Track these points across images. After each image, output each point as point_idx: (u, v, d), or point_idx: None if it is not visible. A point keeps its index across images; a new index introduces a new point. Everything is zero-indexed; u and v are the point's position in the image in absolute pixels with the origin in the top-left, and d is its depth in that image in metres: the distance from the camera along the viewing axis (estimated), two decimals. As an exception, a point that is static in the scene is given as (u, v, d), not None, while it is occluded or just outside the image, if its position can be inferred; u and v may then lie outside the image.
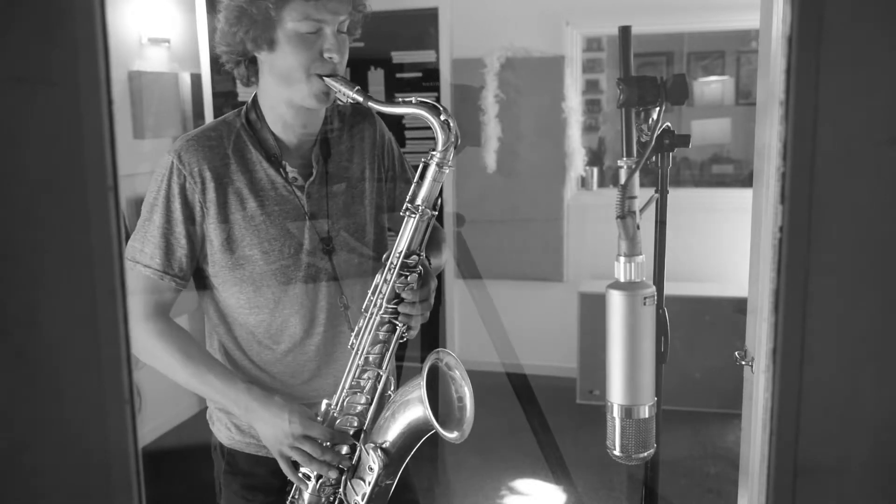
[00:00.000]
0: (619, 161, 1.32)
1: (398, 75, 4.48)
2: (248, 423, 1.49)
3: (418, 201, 1.38)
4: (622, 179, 1.28)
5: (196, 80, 3.97)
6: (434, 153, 1.36)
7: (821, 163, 0.66)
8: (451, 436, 1.38)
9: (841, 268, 0.68)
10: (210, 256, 1.46)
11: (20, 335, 0.60)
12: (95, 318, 0.60)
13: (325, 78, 1.38)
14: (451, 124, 1.34)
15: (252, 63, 1.46)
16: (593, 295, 4.10)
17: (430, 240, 1.49)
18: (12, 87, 0.57)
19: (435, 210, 1.39)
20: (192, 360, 1.45)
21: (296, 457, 1.41)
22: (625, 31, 1.35)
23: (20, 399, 0.61)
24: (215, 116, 3.89)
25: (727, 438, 3.82)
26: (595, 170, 4.68)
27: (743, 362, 1.26)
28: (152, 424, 3.88)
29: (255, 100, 1.49)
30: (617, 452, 1.28)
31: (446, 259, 1.71)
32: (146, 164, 3.84)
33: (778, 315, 0.68)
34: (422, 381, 1.36)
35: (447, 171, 1.37)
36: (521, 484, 3.49)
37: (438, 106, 1.35)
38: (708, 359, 3.72)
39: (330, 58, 1.39)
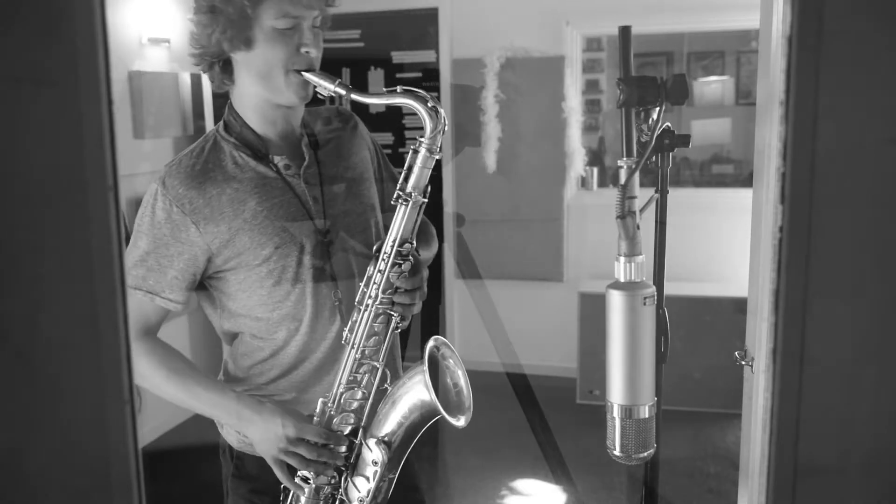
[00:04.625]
0: (619, 161, 1.32)
1: (398, 75, 4.47)
2: (240, 430, 1.48)
3: (409, 188, 1.37)
4: (622, 179, 1.28)
5: (196, 80, 3.97)
6: (422, 140, 1.36)
7: (821, 163, 0.66)
8: (458, 423, 1.37)
9: (841, 268, 0.68)
10: (222, 266, 1.45)
11: (20, 335, 0.60)
12: (95, 318, 0.60)
13: (304, 73, 1.39)
14: (439, 110, 1.35)
15: (227, 65, 1.45)
16: (593, 295, 4.10)
17: (420, 232, 1.49)
18: (12, 87, 0.57)
19: (425, 197, 1.39)
20: (179, 375, 1.45)
21: (291, 461, 1.40)
22: (625, 31, 1.35)
23: (20, 399, 0.61)
24: (215, 116, 3.89)
25: (727, 438, 3.82)
26: (595, 170, 4.68)
27: (743, 362, 1.26)
28: (152, 424, 3.88)
29: (230, 106, 1.50)
30: (617, 452, 1.28)
31: (435, 252, 1.70)
32: (146, 164, 3.84)
33: (778, 315, 0.68)
34: (424, 367, 1.35)
35: (436, 157, 1.37)
36: (521, 484, 3.49)
37: (423, 94, 1.35)
38: (708, 359, 3.72)
39: (307, 52, 1.40)
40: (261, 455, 1.44)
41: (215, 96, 3.88)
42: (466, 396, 1.42)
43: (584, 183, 4.63)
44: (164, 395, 1.48)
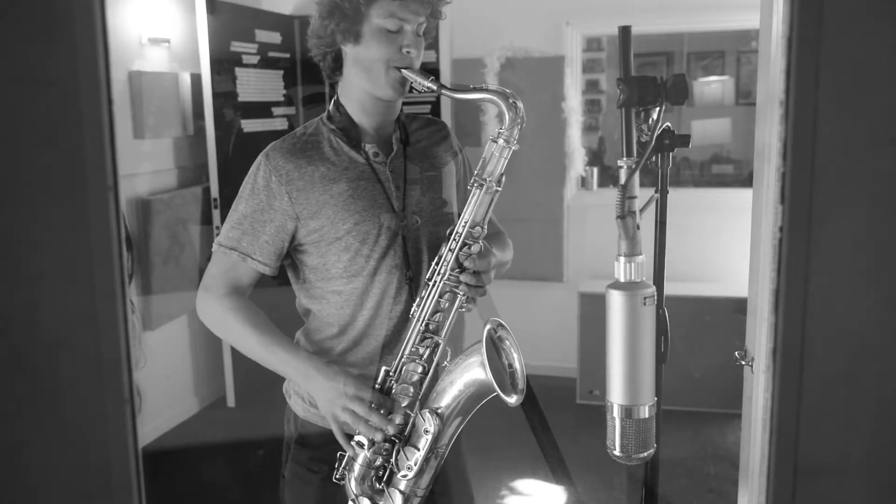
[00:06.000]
0: (619, 161, 1.32)
1: (398, 75, 4.46)
2: (307, 388, 1.59)
3: (485, 174, 1.49)
4: (622, 179, 1.28)
5: (196, 80, 3.96)
6: (501, 131, 1.48)
7: (821, 163, 0.66)
8: (511, 400, 1.45)
9: (841, 268, 0.68)
10: (305, 237, 1.58)
11: (20, 335, 0.60)
12: (95, 318, 0.60)
13: (402, 70, 1.54)
14: (519, 105, 1.47)
15: (338, 56, 1.61)
16: (593, 295, 4.10)
17: (496, 239, 1.68)
18: (12, 87, 0.57)
19: (499, 186, 1.50)
20: (261, 331, 1.59)
21: (347, 417, 1.50)
22: (625, 31, 1.35)
23: (20, 399, 0.61)
24: (215, 116, 3.88)
25: (727, 438, 3.82)
26: (595, 170, 4.68)
27: (743, 362, 1.26)
28: (152, 424, 3.88)
29: (336, 98, 1.65)
30: (617, 452, 1.28)
31: (508, 259, 1.82)
32: (146, 164, 3.84)
33: (778, 315, 0.68)
34: (482, 347, 1.42)
35: (513, 149, 1.50)
36: (521, 484, 3.49)
37: (504, 90, 1.49)
38: (708, 359, 3.72)
39: (408, 52, 1.54)
40: (322, 413, 1.55)
41: (215, 96, 3.87)
42: (520, 377, 1.50)
43: (584, 183, 4.63)
44: (243, 349, 1.63)
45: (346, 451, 1.54)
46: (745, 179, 5.40)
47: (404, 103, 1.71)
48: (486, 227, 1.51)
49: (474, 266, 1.51)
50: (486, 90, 1.48)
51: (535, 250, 4.53)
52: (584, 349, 4.21)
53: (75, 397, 0.61)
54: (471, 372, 1.45)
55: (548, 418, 3.57)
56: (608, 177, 5.01)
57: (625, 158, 1.31)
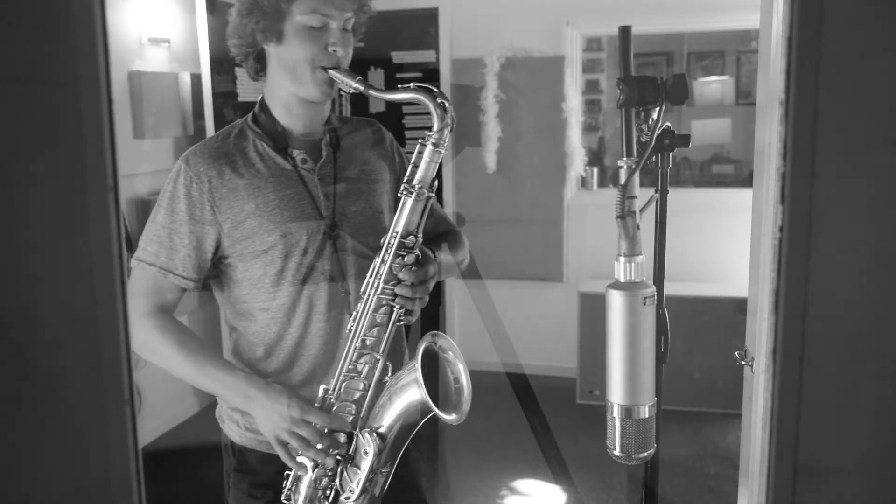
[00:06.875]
0: (619, 161, 1.32)
1: (398, 75, 4.48)
2: (247, 410, 1.49)
3: (415, 181, 1.40)
4: (622, 179, 1.28)
5: (196, 80, 3.97)
6: (430, 134, 1.39)
7: (821, 163, 0.66)
8: (449, 417, 1.38)
9: (841, 268, 0.68)
10: (229, 249, 1.49)
11: (20, 335, 0.60)
12: (95, 318, 0.60)
13: (328, 70, 1.44)
14: (447, 106, 1.39)
15: (260, 56, 1.52)
16: (593, 295, 4.10)
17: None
18: (12, 87, 0.57)
19: (432, 192, 1.42)
20: (192, 353, 1.48)
21: (293, 441, 1.42)
22: (625, 31, 1.35)
23: (20, 399, 0.61)
24: (215, 116, 3.89)
25: (727, 438, 3.82)
26: (595, 170, 4.68)
27: (743, 362, 1.26)
28: (152, 424, 3.88)
29: (262, 99, 1.55)
30: (617, 452, 1.28)
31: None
32: (146, 164, 3.84)
33: (778, 315, 0.68)
34: (416, 364, 1.35)
35: (442, 152, 1.41)
36: (521, 484, 3.49)
37: (434, 89, 1.40)
38: (708, 359, 3.72)
39: (334, 51, 1.45)
40: (264, 435, 1.46)
41: (215, 96, 3.88)
42: (466, 392, 1.42)
43: (584, 183, 4.64)
44: (175, 372, 1.50)
45: (291, 471, 1.45)
46: (745, 179, 5.40)
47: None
48: (420, 235, 1.43)
49: (410, 278, 1.41)
50: (414, 90, 1.39)
51: (535, 250, 4.53)
52: (584, 349, 4.22)
53: (75, 397, 0.61)
54: (409, 389, 1.38)
55: (548, 418, 3.58)
56: (608, 177, 5.01)
57: (625, 158, 1.31)
